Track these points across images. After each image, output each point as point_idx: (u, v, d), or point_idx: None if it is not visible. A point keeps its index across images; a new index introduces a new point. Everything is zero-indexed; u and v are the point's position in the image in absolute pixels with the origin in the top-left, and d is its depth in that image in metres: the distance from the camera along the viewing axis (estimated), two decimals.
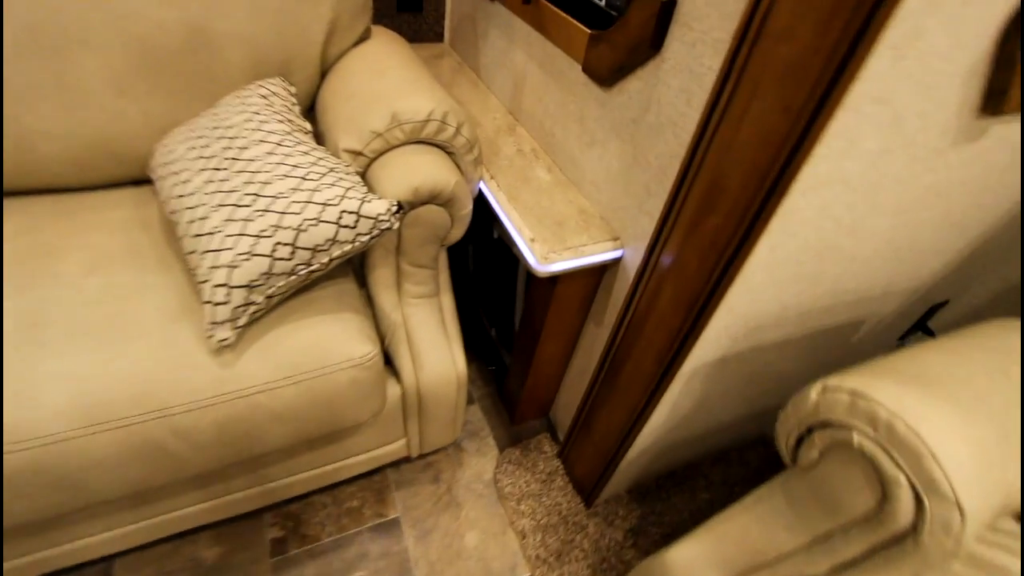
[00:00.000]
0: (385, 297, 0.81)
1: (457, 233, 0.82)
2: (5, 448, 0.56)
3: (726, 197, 0.54)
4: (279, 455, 0.81)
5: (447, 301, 0.88)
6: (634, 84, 0.71)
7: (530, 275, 0.95)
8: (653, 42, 0.65)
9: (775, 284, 0.65)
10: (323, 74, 0.96)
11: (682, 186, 0.61)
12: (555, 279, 0.81)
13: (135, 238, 0.78)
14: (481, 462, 1.05)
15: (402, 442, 0.91)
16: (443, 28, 1.35)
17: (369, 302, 0.83)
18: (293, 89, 0.88)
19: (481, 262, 1.28)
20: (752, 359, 0.80)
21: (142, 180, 0.91)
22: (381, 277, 0.81)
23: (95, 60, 0.79)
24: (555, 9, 0.84)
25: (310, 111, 0.98)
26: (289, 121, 0.79)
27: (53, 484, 0.60)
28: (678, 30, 0.62)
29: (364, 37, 1.00)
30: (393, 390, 0.82)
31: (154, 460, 0.64)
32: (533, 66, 0.95)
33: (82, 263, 0.72)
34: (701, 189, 0.57)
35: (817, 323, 0.80)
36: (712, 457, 1.13)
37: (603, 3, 0.75)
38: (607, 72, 0.74)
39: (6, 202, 0.83)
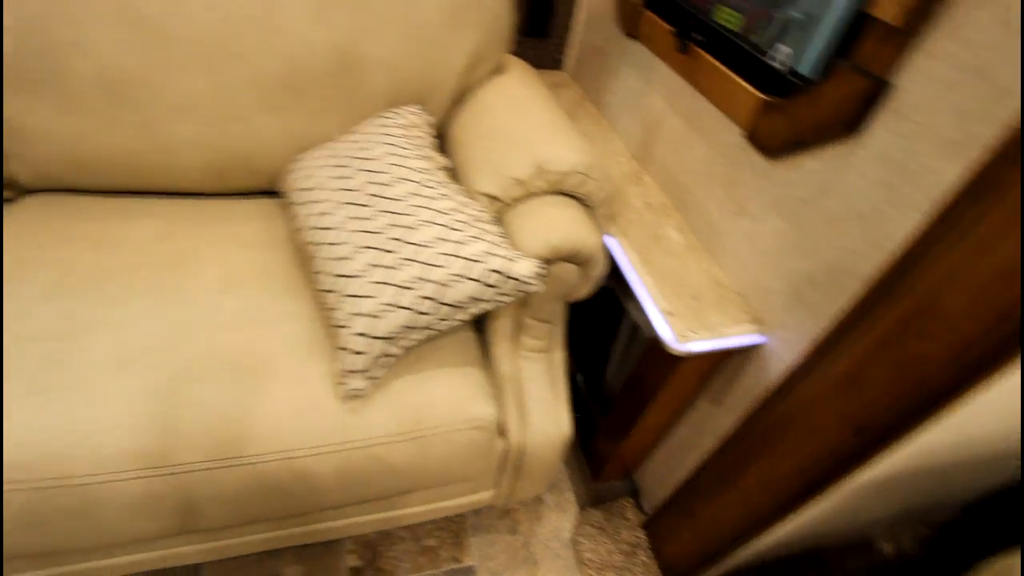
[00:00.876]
0: (501, 348, 0.78)
1: (585, 291, 0.78)
2: (146, 472, 0.57)
3: (943, 327, 0.47)
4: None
5: (559, 357, 0.84)
6: (812, 163, 0.64)
7: (640, 334, 0.90)
8: (849, 124, 0.59)
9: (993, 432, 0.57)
10: (455, 103, 0.94)
11: (877, 294, 0.54)
12: None
13: (266, 257, 0.78)
14: (560, 518, 1.01)
15: (491, 492, 0.88)
16: (565, 56, 1.32)
17: (484, 350, 0.81)
18: (432, 120, 0.87)
19: (576, 305, 1.23)
20: (930, 478, 0.72)
21: (269, 191, 0.92)
22: (501, 327, 0.77)
23: (246, 74, 0.80)
24: (717, 65, 0.78)
25: (437, 139, 0.97)
26: (428, 158, 0.77)
27: (175, 508, 0.61)
28: (888, 117, 0.55)
29: (499, 67, 0.97)
30: (497, 444, 0.79)
31: (270, 498, 0.63)
32: (674, 116, 0.90)
33: (217, 280, 0.72)
34: (907, 307, 0.51)
35: None
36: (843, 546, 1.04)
37: (783, 68, 0.69)
38: (779, 144, 0.68)
39: (143, 201, 0.85)
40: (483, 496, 0.89)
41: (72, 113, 0.76)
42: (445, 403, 0.66)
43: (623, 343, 1.00)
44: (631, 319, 0.95)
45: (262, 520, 0.71)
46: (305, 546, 0.91)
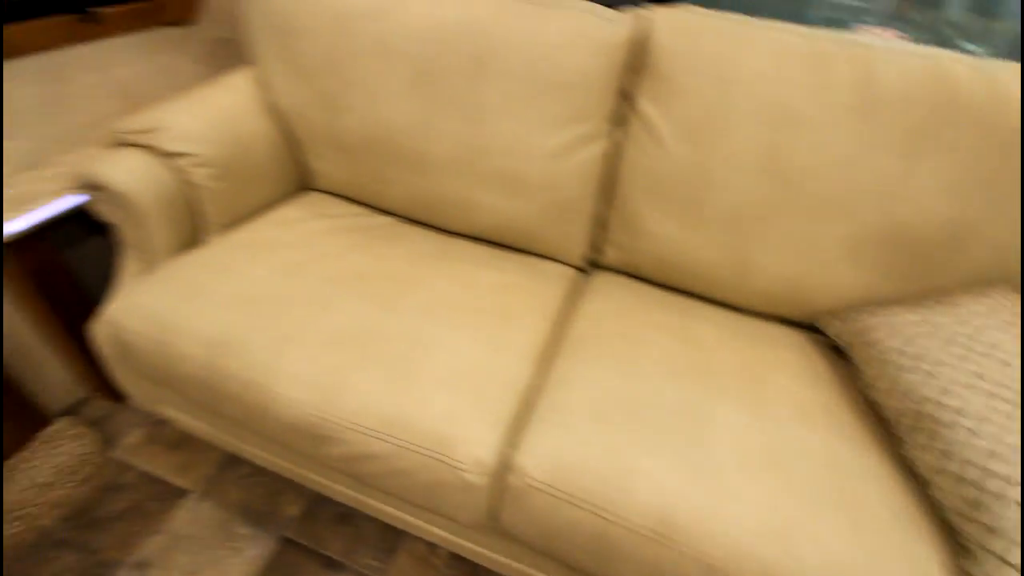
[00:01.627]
0: None
1: None
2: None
3: None
4: None
5: None
6: None
7: None
8: None
9: None
10: None
11: None
12: None
13: (822, 394, 0.82)
14: None
15: None
16: None
17: None
18: None
19: None
20: None
21: (785, 319, 0.98)
22: None
23: (848, 228, 0.86)
24: None
25: None
26: None
27: None
28: None
29: None
30: None
31: None
32: None
33: (789, 407, 0.79)
34: None
35: None
36: None
37: None
38: None
39: (701, 305, 1.00)
40: None
41: (693, 228, 0.94)
42: None
43: None
44: None
45: None
46: None
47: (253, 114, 1.11)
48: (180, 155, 0.97)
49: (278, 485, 1.15)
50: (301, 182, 1.23)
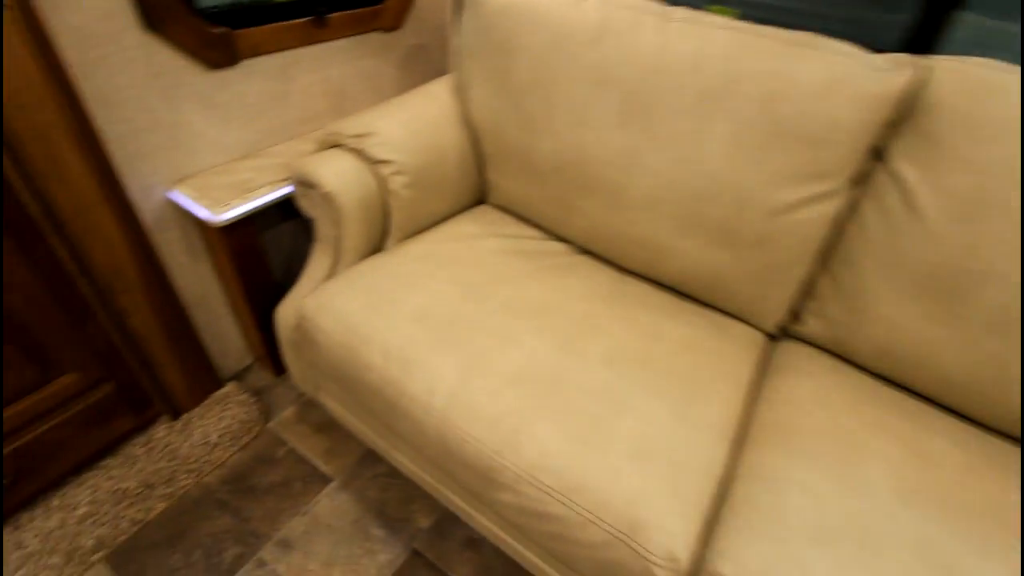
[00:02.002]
0: None
1: None
2: None
3: None
4: None
5: None
6: None
7: None
8: None
9: None
10: None
11: None
12: None
13: None
14: None
15: None
16: None
17: None
18: None
19: None
20: None
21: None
22: None
23: None
24: None
25: None
26: None
27: None
28: None
29: None
30: None
31: None
32: None
33: None
34: None
35: None
36: None
37: None
38: None
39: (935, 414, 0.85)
40: None
41: (946, 323, 0.78)
42: None
43: None
44: None
45: None
46: None
47: (449, 125, 1.11)
48: (384, 162, 0.99)
49: (411, 491, 1.15)
50: (476, 195, 1.23)
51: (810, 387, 0.85)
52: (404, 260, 1.00)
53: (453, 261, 1.01)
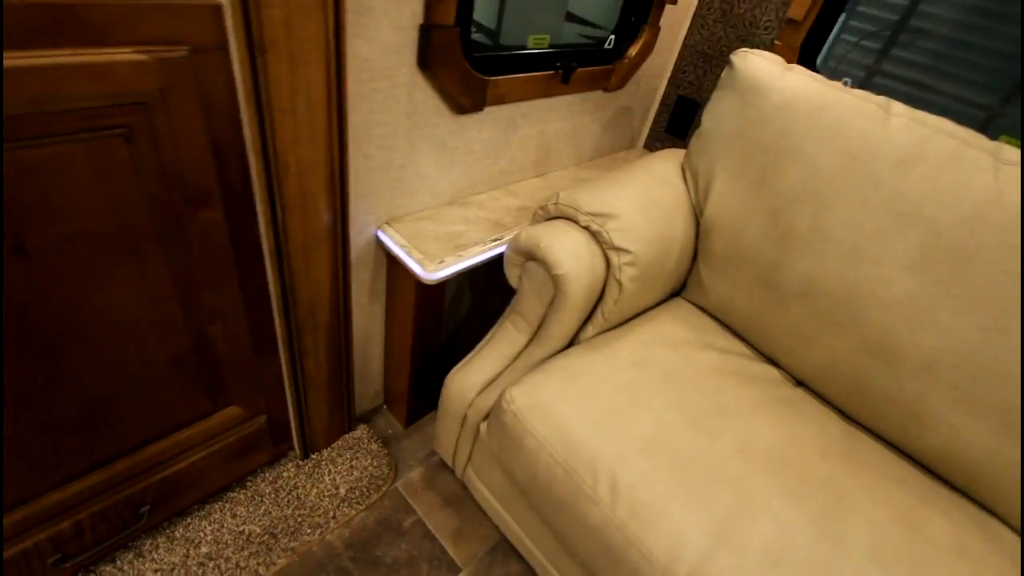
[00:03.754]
0: None
1: None
2: None
3: None
4: None
5: None
6: None
7: None
8: None
9: None
10: None
11: None
12: None
13: None
14: None
15: None
16: None
17: None
18: None
19: None
20: None
21: None
22: None
23: None
24: None
25: None
26: None
27: None
28: None
29: None
30: None
31: None
32: None
33: None
34: None
35: None
36: None
37: None
38: None
39: None
40: None
41: None
42: None
43: None
44: None
45: None
46: None
47: (680, 214, 1.00)
48: (622, 251, 0.88)
49: None
50: (676, 287, 1.11)
51: None
52: (620, 366, 0.88)
53: (671, 376, 0.88)
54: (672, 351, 0.94)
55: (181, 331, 0.74)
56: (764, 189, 0.93)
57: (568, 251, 0.86)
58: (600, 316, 0.95)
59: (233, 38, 0.58)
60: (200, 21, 0.56)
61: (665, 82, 1.37)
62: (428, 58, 0.80)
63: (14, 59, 0.47)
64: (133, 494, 0.85)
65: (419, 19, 0.77)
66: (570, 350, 0.92)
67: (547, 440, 0.77)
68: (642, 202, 0.94)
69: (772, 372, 0.98)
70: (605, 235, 0.88)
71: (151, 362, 0.73)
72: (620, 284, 0.91)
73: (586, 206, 0.90)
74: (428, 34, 0.78)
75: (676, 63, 1.34)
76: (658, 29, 1.21)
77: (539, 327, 0.92)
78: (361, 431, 1.20)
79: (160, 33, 0.53)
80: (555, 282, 0.86)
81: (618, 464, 0.73)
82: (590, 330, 0.96)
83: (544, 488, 0.78)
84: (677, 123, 1.41)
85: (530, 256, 0.88)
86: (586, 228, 0.90)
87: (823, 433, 0.87)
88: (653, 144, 1.46)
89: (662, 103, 1.40)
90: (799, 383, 0.99)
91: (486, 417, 0.93)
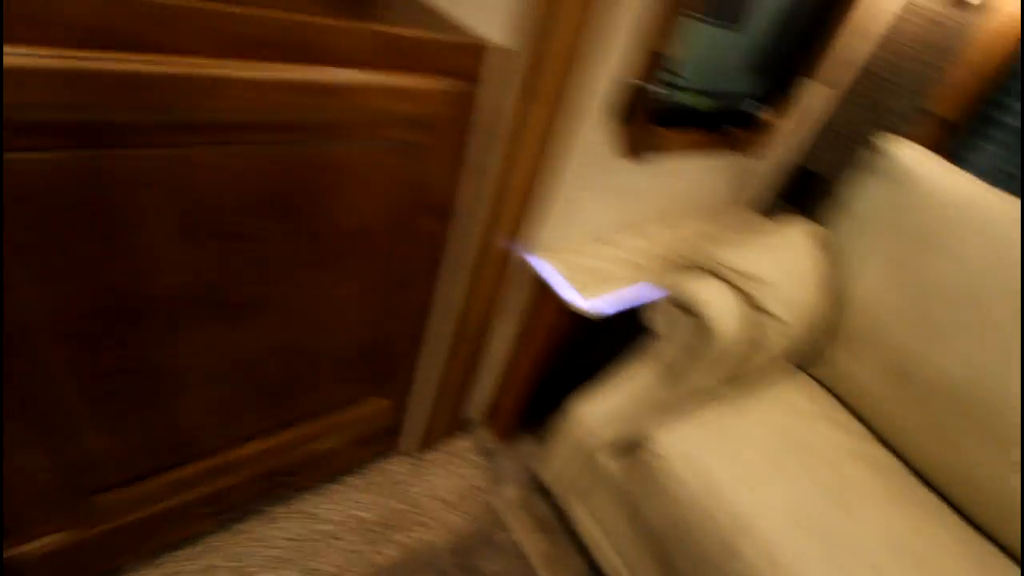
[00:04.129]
0: None
1: None
2: None
3: None
4: None
5: None
6: None
7: None
8: None
9: None
10: None
11: None
12: None
13: None
14: None
15: None
16: None
17: None
18: None
19: None
20: None
21: None
22: None
23: None
24: None
25: None
26: None
27: None
28: None
29: None
30: None
31: None
32: None
33: None
34: None
35: None
36: None
37: None
38: None
39: None
40: None
41: None
42: None
43: None
44: None
45: None
46: None
47: (819, 289, 1.03)
48: (775, 317, 0.92)
49: None
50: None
51: None
52: (760, 431, 0.91)
53: (806, 448, 0.90)
54: (803, 422, 0.96)
55: (377, 322, 0.82)
56: (912, 281, 0.96)
57: (724, 310, 0.90)
58: (739, 376, 0.98)
59: (517, 80, 0.66)
60: (485, 60, 0.64)
61: (789, 151, 1.42)
62: (621, 108, 0.87)
63: (353, 75, 0.56)
64: (282, 464, 0.92)
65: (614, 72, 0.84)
66: (710, 403, 0.95)
67: (694, 490, 0.80)
68: (788, 270, 0.98)
69: (894, 463, 0.98)
70: (757, 298, 0.92)
71: (345, 346, 0.81)
72: (767, 349, 0.94)
73: (727, 262, 0.94)
74: (627, 88, 0.85)
75: (807, 137, 1.39)
76: (798, 102, 1.27)
77: (668, 371, 0.96)
78: (466, 440, 1.25)
79: (454, 66, 0.62)
80: (705, 336, 0.90)
81: (767, 528, 0.76)
82: (721, 386, 0.99)
83: (684, 537, 0.81)
84: (795, 192, 1.45)
85: (684, 308, 0.93)
86: (734, 287, 0.94)
87: (956, 540, 0.87)
88: (762, 207, 1.50)
89: (781, 169, 1.45)
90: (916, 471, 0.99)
91: (609, 450, 0.97)
